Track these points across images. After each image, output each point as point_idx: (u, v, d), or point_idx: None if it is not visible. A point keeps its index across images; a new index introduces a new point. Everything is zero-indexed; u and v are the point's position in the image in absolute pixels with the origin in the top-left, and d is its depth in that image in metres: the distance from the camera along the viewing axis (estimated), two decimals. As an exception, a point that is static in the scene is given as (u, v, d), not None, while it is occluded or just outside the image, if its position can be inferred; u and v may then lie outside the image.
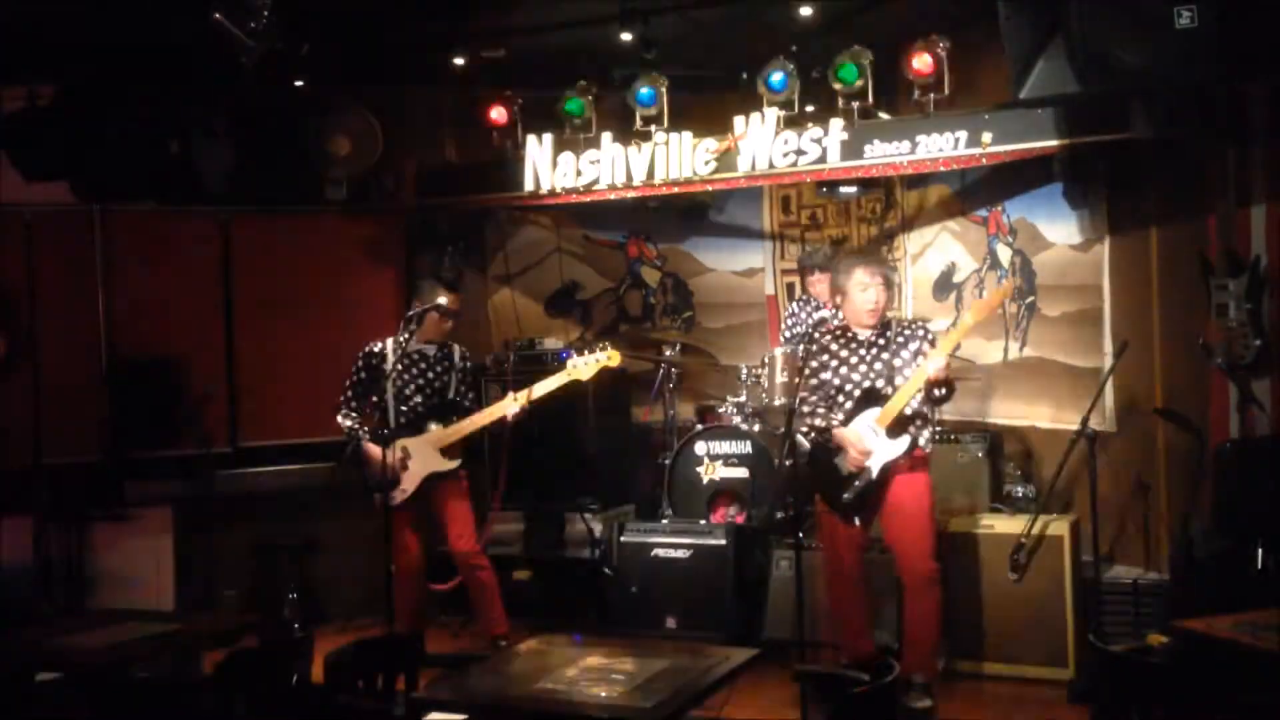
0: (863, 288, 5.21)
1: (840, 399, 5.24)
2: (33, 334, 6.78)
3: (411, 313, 5.95)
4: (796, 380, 5.40)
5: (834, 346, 5.33)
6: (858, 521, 5.21)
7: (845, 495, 5.17)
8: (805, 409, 5.29)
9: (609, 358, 5.94)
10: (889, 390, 5.14)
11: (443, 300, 5.95)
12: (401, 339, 5.94)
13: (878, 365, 5.21)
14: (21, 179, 6.49)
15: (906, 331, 5.28)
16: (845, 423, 5.18)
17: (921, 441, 5.19)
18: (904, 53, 6.16)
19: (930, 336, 5.28)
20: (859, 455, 5.12)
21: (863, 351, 5.26)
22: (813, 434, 5.32)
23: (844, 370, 5.27)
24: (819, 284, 6.91)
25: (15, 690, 4.35)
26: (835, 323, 5.45)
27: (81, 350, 6.98)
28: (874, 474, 5.13)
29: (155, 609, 6.44)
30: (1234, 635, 3.86)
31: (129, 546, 6.79)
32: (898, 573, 5.32)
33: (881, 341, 5.25)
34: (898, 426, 5.11)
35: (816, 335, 5.46)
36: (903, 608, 5.34)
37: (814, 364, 5.31)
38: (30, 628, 5.03)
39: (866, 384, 5.20)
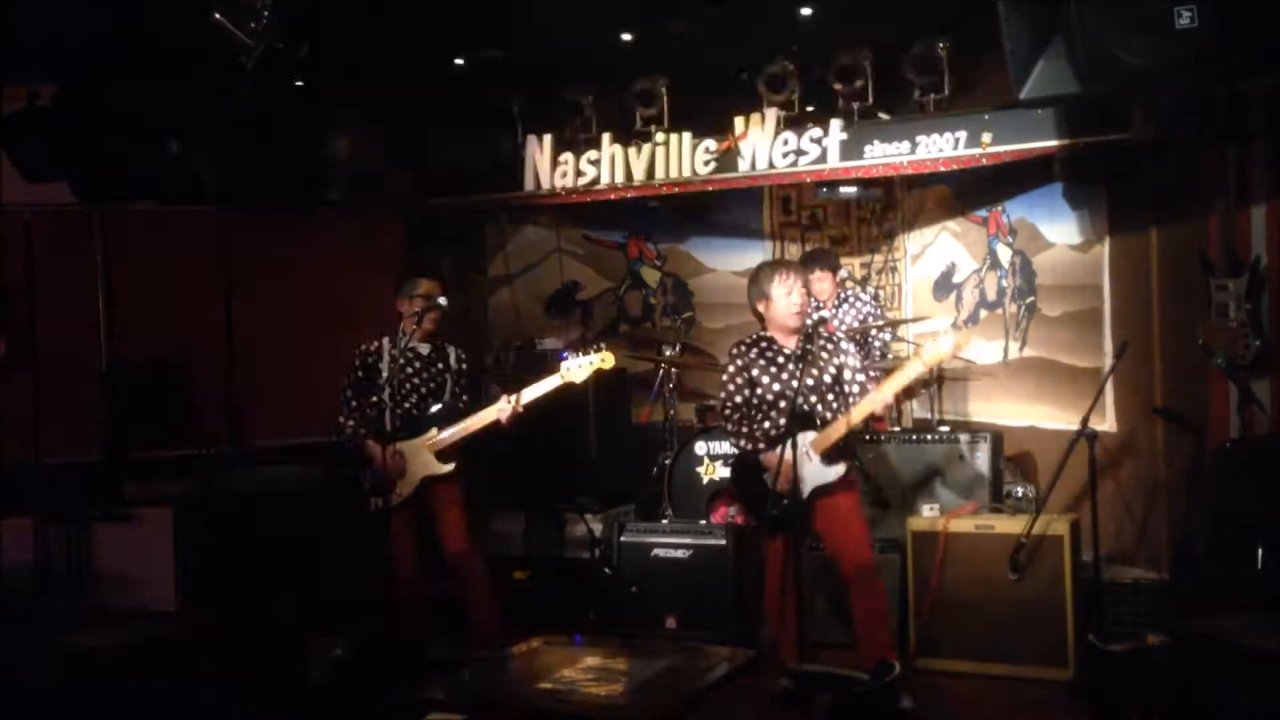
0: (787, 291, 5.10)
1: (773, 415, 5.12)
2: (33, 334, 6.78)
3: (413, 312, 5.92)
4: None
5: (761, 362, 5.17)
6: (780, 537, 5.09)
7: (772, 512, 5.06)
8: (730, 426, 5.22)
9: (603, 360, 5.90)
10: (824, 413, 5.09)
11: (442, 300, 5.93)
12: (401, 339, 5.93)
13: (808, 382, 5.09)
14: (21, 179, 6.49)
15: (829, 346, 5.20)
16: (776, 440, 5.03)
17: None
18: (904, 53, 6.17)
19: (847, 347, 5.22)
20: (786, 481, 4.95)
21: (791, 367, 5.12)
22: (743, 443, 5.21)
23: (776, 387, 5.13)
24: (819, 282, 6.90)
25: (15, 690, 4.35)
26: (759, 333, 5.28)
27: (81, 350, 6.98)
28: (803, 496, 5.03)
29: (155, 609, 6.44)
30: (1234, 635, 3.86)
31: (129, 546, 6.78)
32: (840, 573, 5.25)
33: (807, 360, 5.11)
34: (833, 453, 5.07)
35: (741, 350, 5.27)
36: (851, 605, 5.25)
37: (739, 380, 5.21)
38: (30, 628, 5.04)
39: (799, 400, 5.06)
